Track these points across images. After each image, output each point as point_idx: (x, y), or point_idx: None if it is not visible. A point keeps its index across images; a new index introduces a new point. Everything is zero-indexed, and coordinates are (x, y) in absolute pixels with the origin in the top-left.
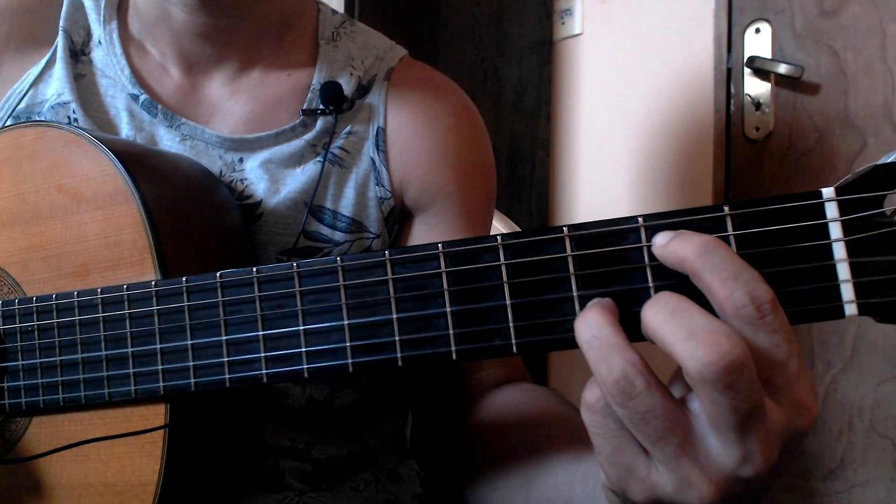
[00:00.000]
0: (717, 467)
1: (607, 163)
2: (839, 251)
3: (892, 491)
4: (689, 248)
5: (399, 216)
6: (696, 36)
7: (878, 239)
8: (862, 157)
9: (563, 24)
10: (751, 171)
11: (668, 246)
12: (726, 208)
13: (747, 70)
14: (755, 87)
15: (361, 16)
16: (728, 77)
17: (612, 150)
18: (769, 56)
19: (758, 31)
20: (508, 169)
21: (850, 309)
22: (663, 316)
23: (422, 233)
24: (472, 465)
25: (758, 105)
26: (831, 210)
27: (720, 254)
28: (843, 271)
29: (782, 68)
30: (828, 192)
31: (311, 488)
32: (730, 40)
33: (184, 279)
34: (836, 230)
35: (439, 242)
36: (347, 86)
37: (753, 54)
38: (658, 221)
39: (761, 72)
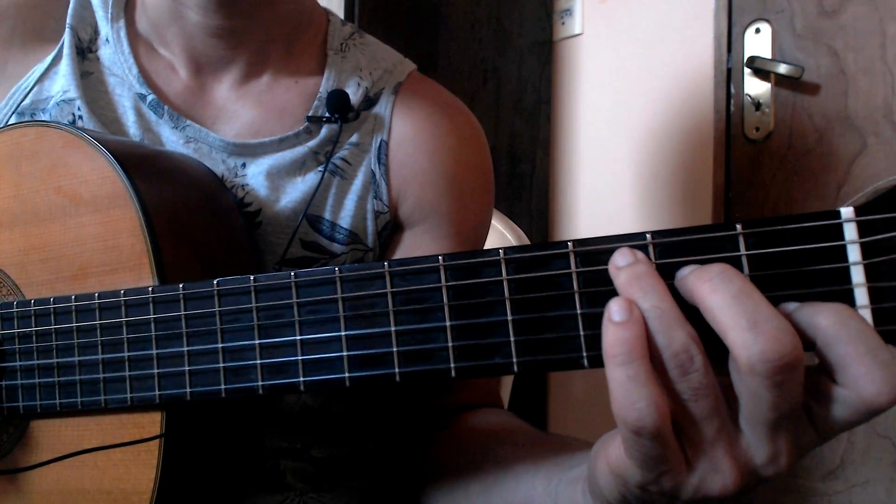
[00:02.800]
0: (747, 458)
1: (607, 163)
2: (857, 275)
3: (892, 491)
4: (828, 317)
5: (391, 230)
6: (696, 36)
7: None
8: (862, 157)
9: (563, 24)
10: (751, 171)
11: (803, 310)
12: (739, 227)
13: (747, 70)
14: (755, 87)
15: (361, 16)
16: (728, 77)
17: (612, 149)
18: (769, 56)
19: (758, 31)
20: (508, 169)
21: None
22: (724, 296)
23: (408, 247)
24: (431, 476)
25: (758, 105)
26: (850, 231)
27: (858, 325)
28: (861, 296)
29: (782, 68)
30: (846, 212)
31: (312, 488)
32: (730, 40)
33: (180, 286)
34: (854, 252)
35: (440, 255)
36: (354, 96)
37: (753, 54)
38: (667, 239)
39: (761, 72)
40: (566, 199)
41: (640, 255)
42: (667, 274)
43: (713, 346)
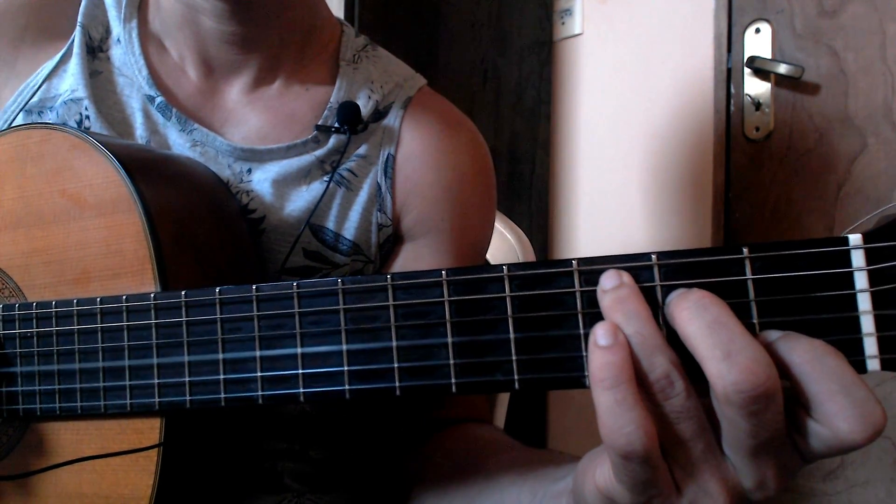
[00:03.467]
0: (735, 482)
1: (607, 163)
2: (864, 302)
3: (892, 491)
4: (802, 354)
5: (392, 242)
6: (696, 36)
7: None
8: (862, 157)
9: (563, 24)
10: (751, 171)
11: (780, 343)
12: (745, 250)
13: (747, 70)
14: (755, 87)
15: (361, 16)
16: (728, 77)
17: (613, 150)
18: (769, 56)
19: (758, 31)
20: (508, 169)
21: (873, 364)
22: (700, 326)
23: (408, 260)
24: (416, 488)
25: (758, 105)
26: (857, 258)
27: (833, 362)
28: (868, 324)
29: (782, 68)
30: (854, 238)
31: (310, 489)
32: (730, 40)
33: (183, 293)
34: (861, 280)
35: (443, 269)
36: (364, 108)
37: (753, 54)
38: (673, 260)
39: (761, 72)
40: (566, 199)
41: (626, 277)
42: None
43: (699, 369)
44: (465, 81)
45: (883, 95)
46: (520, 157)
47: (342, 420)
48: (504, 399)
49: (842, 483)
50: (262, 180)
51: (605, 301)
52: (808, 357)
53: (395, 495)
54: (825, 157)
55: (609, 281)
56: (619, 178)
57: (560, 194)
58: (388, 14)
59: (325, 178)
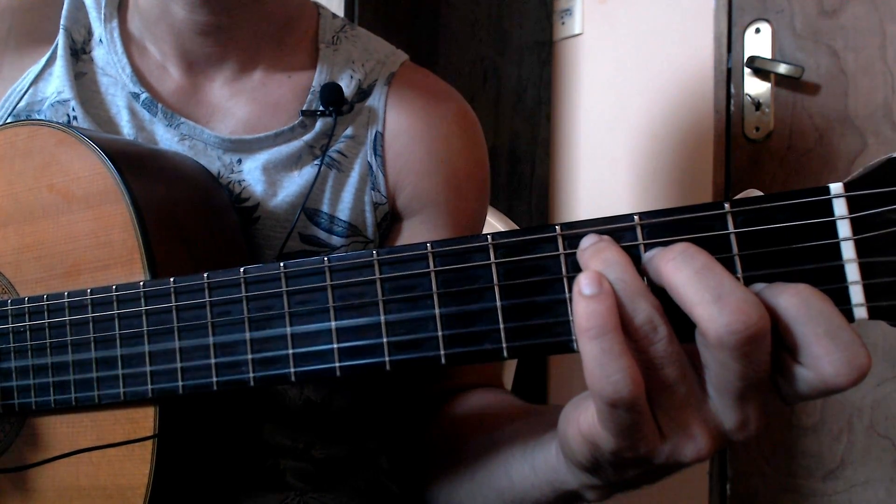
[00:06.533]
0: (717, 424)
1: (607, 163)
2: (848, 251)
3: (892, 491)
4: (789, 297)
5: (390, 220)
6: (696, 36)
7: (890, 238)
8: (862, 157)
9: (563, 24)
10: (751, 171)
11: (766, 291)
12: (727, 205)
13: (747, 70)
14: (755, 87)
15: (361, 15)
16: (728, 77)
17: (612, 149)
18: (769, 56)
19: (758, 31)
20: (508, 169)
21: (860, 312)
22: (688, 273)
23: (407, 237)
24: (428, 470)
25: (758, 105)
26: (839, 207)
27: (819, 305)
28: (853, 272)
29: (782, 68)
30: (836, 187)
31: (312, 488)
32: (730, 40)
33: (171, 280)
34: (844, 228)
35: (428, 242)
36: (347, 89)
37: (753, 54)
38: (655, 220)
39: (761, 72)
40: (566, 199)
41: (604, 236)
42: None
43: (680, 325)
44: (465, 81)
45: (883, 95)
46: (520, 156)
47: (348, 412)
48: (511, 370)
49: (842, 483)
50: (252, 169)
51: (585, 255)
52: (795, 300)
53: (409, 471)
54: (825, 157)
55: (588, 240)
56: (618, 178)
57: (560, 194)
58: (388, 14)
59: (316, 162)
